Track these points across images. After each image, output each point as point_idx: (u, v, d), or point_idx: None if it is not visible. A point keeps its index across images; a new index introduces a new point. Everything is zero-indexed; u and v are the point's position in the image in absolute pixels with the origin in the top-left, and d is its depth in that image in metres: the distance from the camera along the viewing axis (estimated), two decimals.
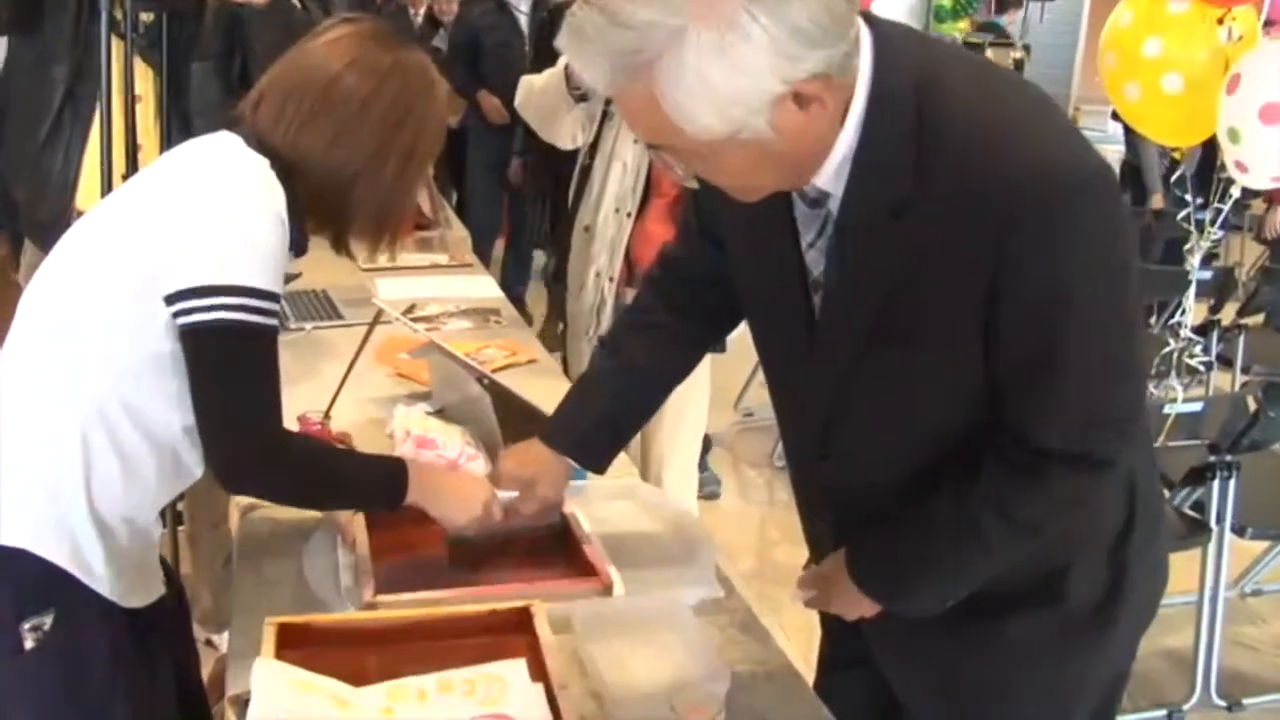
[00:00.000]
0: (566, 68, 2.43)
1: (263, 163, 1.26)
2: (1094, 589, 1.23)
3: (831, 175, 1.06)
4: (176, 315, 1.19)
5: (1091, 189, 1.01)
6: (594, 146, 2.54)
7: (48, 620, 1.21)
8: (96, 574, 1.24)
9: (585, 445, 1.45)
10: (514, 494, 1.45)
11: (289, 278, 2.71)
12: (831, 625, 1.45)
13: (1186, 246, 2.84)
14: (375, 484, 1.37)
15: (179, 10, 2.22)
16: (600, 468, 1.48)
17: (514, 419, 1.83)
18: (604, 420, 1.45)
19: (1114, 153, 5.41)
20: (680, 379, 1.48)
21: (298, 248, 1.32)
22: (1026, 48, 8.00)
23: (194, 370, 1.21)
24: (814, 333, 1.17)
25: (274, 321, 1.22)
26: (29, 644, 1.20)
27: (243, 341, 1.20)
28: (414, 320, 2.32)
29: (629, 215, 2.50)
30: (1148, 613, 1.31)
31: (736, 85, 0.94)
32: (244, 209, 1.21)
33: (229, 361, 1.21)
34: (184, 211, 1.21)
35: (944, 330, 1.07)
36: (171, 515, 2.30)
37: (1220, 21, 2.59)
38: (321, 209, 1.31)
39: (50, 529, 1.22)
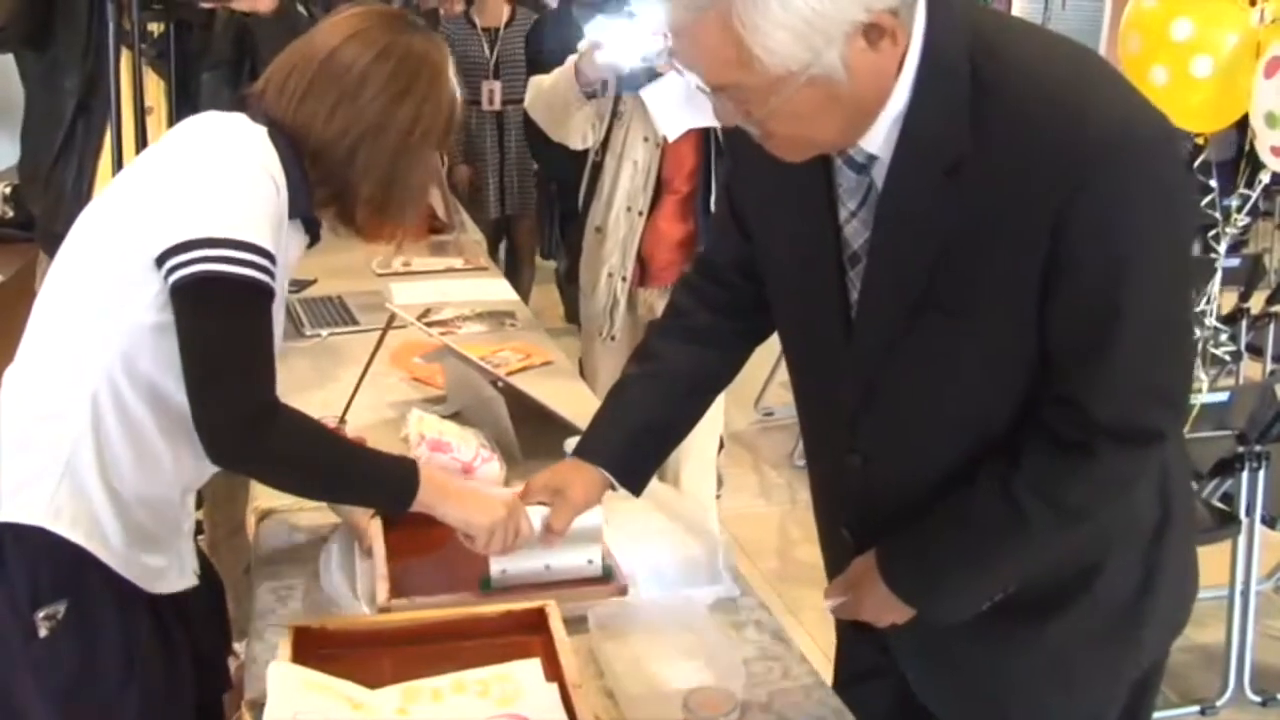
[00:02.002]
0: (575, 64, 2.42)
1: (257, 129, 1.26)
2: (1126, 588, 1.19)
3: (881, 138, 1.04)
4: (167, 276, 1.17)
5: (1161, 147, 1.00)
6: (604, 146, 2.53)
7: (61, 608, 1.21)
8: (114, 548, 1.24)
9: (621, 459, 1.34)
10: (546, 509, 1.35)
11: (303, 284, 2.75)
12: (847, 636, 1.40)
13: (1211, 233, 2.80)
14: (382, 476, 1.29)
15: (187, 19, 2.24)
16: (637, 486, 1.37)
17: (529, 421, 1.83)
18: (640, 431, 1.35)
19: None
20: (720, 385, 1.41)
21: (306, 222, 1.31)
22: None
23: (181, 328, 1.18)
24: (849, 311, 1.14)
25: (266, 279, 1.18)
26: (43, 632, 1.21)
27: (230, 294, 1.16)
28: (429, 324, 2.32)
29: (640, 214, 2.49)
30: (1181, 613, 1.26)
31: (820, 8, 0.93)
32: (229, 165, 1.21)
33: (215, 316, 1.17)
34: (171, 175, 1.22)
35: (998, 294, 1.04)
36: (192, 525, 2.31)
37: (1253, 3, 2.55)
38: (324, 180, 1.30)
39: (66, 503, 1.22)
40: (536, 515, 1.35)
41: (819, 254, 1.14)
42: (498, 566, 1.37)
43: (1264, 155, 2.64)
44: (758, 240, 1.27)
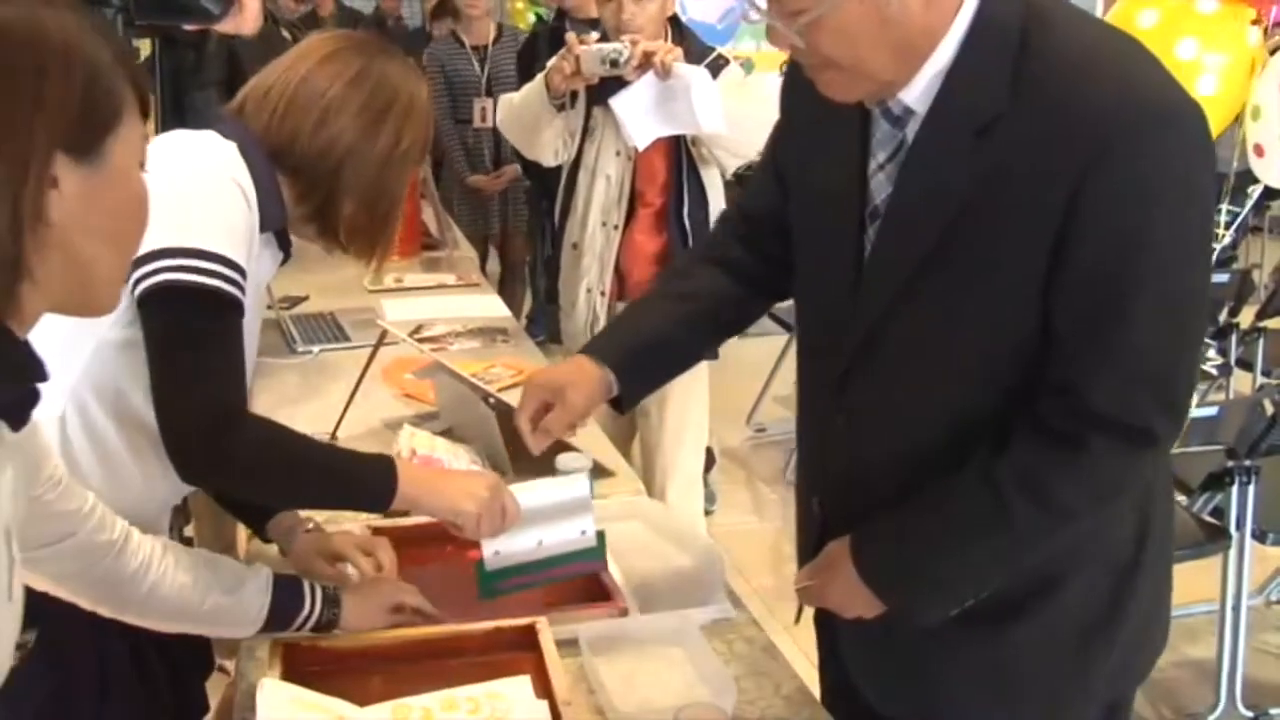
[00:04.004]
0: (546, 78, 2.43)
1: (226, 145, 1.26)
2: (1094, 608, 1.16)
3: (921, 91, 1.07)
4: (133, 289, 1.16)
5: (1187, 122, 1.01)
6: (576, 162, 2.53)
7: (31, 637, 1.18)
8: None
9: (628, 365, 1.33)
10: (529, 488, 1.35)
11: (295, 300, 2.74)
12: (830, 654, 1.37)
13: None
14: (359, 477, 1.26)
15: (175, 37, 2.24)
16: (633, 397, 1.37)
17: (520, 437, 1.83)
18: (653, 342, 1.35)
19: None
20: (735, 325, 1.42)
21: (279, 236, 1.30)
22: None
23: (146, 338, 1.17)
24: (861, 267, 1.14)
25: (232, 290, 1.17)
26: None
27: (194, 304, 1.15)
28: (420, 340, 2.32)
29: (615, 228, 2.50)
30: (1154, 637, 1.23)
31: None
32: (196, 178, 1.21)
33: (179, 325, 1.16)
34: None
35: (1009, 260, 1.04)
36: (179, 541, 2.30)
37: (1255, 22, 2.57)
38: (306, 195, 1.30)
39: None
40: (521, 495, 1.34)
41: (844, 206, 1.16)
42: (490, 549, 1.33)
43: (1249, 155, 2.66)
44: (793, 193, 1.28)
